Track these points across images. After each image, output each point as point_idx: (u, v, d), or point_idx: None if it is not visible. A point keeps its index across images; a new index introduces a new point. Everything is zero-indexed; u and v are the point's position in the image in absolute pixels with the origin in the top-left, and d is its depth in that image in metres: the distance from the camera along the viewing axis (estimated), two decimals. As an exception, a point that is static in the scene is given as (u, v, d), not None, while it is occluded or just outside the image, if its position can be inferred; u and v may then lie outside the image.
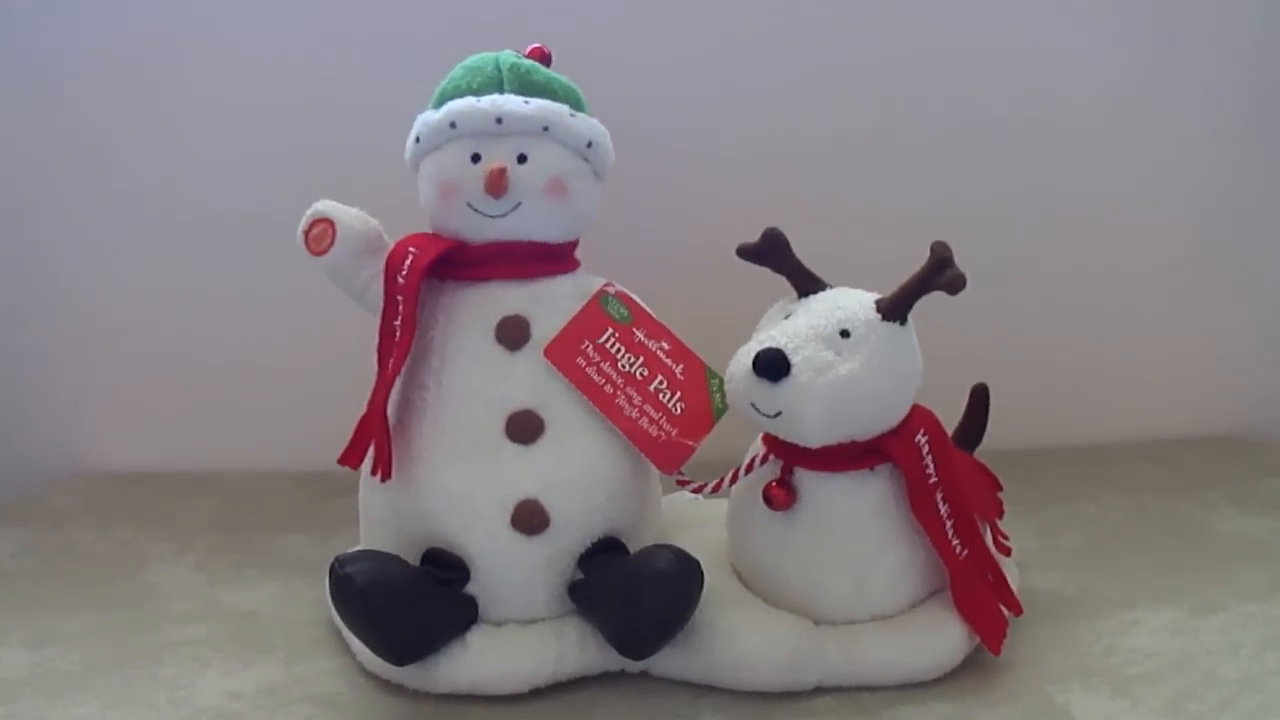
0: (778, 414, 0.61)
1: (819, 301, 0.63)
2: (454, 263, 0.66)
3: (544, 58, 0.70)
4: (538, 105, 0.65)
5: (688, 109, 0.92)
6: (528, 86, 0.66)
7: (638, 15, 0.91)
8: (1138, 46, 0.93)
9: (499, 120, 0.64)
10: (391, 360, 0.64)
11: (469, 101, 0.65)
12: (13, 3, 0.92)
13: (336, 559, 0.60)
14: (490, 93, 0.66)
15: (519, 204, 0.65)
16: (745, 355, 0.61)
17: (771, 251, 0.64)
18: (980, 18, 0.92)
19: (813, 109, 0.92)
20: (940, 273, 0.60)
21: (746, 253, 0.65)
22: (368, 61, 0.91)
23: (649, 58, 0.91)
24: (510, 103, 0.65)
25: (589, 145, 0.67)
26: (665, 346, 0.68)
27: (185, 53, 0.92)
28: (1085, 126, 0.93)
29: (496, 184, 0.63)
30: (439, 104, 0.67)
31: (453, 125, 0.65)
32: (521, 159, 0.65)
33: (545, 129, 0.65)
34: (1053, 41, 0.92)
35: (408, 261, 0.64)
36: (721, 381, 0.66)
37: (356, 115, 0.91)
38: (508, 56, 0.68)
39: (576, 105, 0.68)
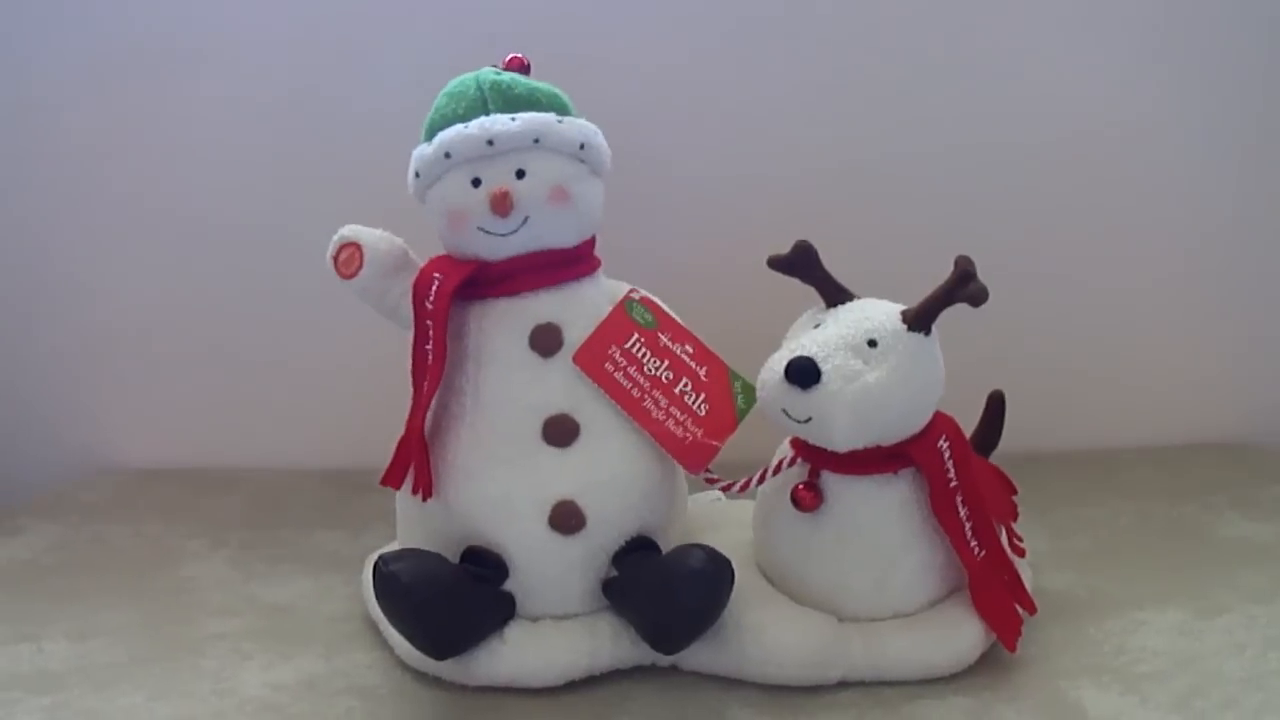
0: (808, 419, 0.62)
1: (847, 312, 0.65)
2: (479, 282, 0.67)
3: (523, 68, 0.70)
4: (525, 120, 0.66)
5: (715, 122, 0.93)
6: (511, 102, 0.67)
7: (658, 28, 0.92)
8: (1144, 63, 0.94)
9: (490, 142, 0.65)
10: (426, 383, 0.65)
11: (458, 129, 0.66)
12: (39, 13, 0.93)
13: (381, 557, 0.62)
14: (476, 115, 0.66)
15: (527, 218, 0.66)
16: (777, 363, 0.63)
17: (801, 263, 0.66)
18: (991, 35, 0.93)
19: (837, 124, 0.93)
20: (964, 286, 0.62)
21: (777, 263, 0.66)
22: (377, 63, 0.92)
23: (671, 72, 0.92)
24: (498, 123, 0.66)
25: (582, 147, 0.67)
26: (689, 350, 0.69)
27: (206, 54, 0.93)
28: (1092, 140, 0.95)
29: (501, 205, 0.64)
30: (430, 136, 0.68)
31: (447, 155, 0.66)
32: (520, 174, 0.66)
33: (536, 141, 0.66)
34: (1062, 58, 0.93)
35: (434, 287, 0.65)
36: (744, 383, 0.67)
37: (370, 117, 0.92)
38: (487, 75, 0.68)
39: (563, 110, 0.68)
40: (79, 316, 0.99)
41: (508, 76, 0.68)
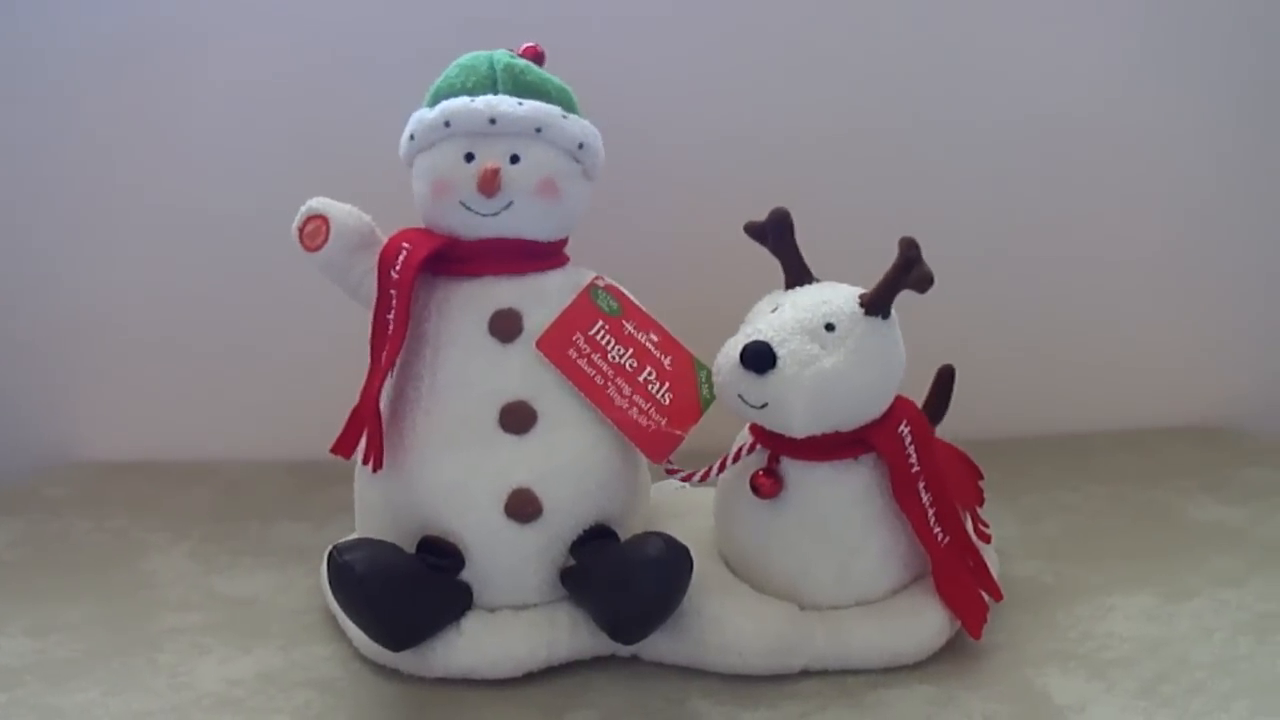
0: (764, 405, 0.62)
1: (805, 295, 0.64)
2: (447, 258, 0.66)
3: (537, 57, 0.70)
4: (531, 107, 0.66)
5: (676, 102, 0.93)
6: (521, 87, 0.67)
7: (625, 6, 0.92)
8: (1125, 41, 0.94)
9: (493, 121, 0.65)
10: (385, 353, 0.65)
11: (463, 101, 0.66)
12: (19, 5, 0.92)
13: (335, 547, 0.61)
14: (484, 93, 0.66)
15: (511, 203, 0.66)
16: (733, 347, 0.62)
17: (775, 230, 0.65)
18: (969, 12, 0.93)
19: (802, 103, 0.93)
20: (907, 272, 0.61)
21: (753, 230, 0.65)
22: (366, 55, 0.92)
23: (636, 49, 0.91)
24: (504, 103, 0.66)
25: (580, 147, 0.67)
26: (654, 338, 0.69)
27: (181, 46, 0.92)
28: (1070, 120, 0.94)
29: (489, 184, 0.64)
30: (433, 102, 0.68)
31: (447, 124, 0.66)
32: (514, 159, 0.66)
33: (538, 130, 0.66)
34: (1041, 36, 0.93)
35: (401, 257, 0.65)
36: (709, 373, 0.67)
37: (352, 108, 0.92)
38: (502, 56, 0.68)
39: (569, 107, 0.69)
40: (44, 308, 0.98)
41: (521, 62, 0.68)
